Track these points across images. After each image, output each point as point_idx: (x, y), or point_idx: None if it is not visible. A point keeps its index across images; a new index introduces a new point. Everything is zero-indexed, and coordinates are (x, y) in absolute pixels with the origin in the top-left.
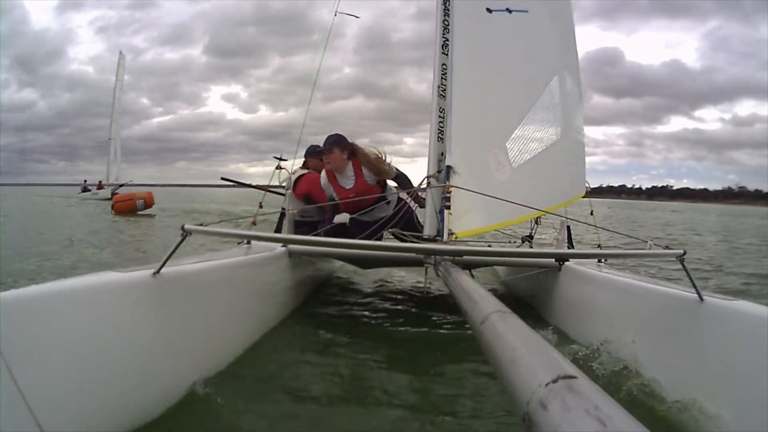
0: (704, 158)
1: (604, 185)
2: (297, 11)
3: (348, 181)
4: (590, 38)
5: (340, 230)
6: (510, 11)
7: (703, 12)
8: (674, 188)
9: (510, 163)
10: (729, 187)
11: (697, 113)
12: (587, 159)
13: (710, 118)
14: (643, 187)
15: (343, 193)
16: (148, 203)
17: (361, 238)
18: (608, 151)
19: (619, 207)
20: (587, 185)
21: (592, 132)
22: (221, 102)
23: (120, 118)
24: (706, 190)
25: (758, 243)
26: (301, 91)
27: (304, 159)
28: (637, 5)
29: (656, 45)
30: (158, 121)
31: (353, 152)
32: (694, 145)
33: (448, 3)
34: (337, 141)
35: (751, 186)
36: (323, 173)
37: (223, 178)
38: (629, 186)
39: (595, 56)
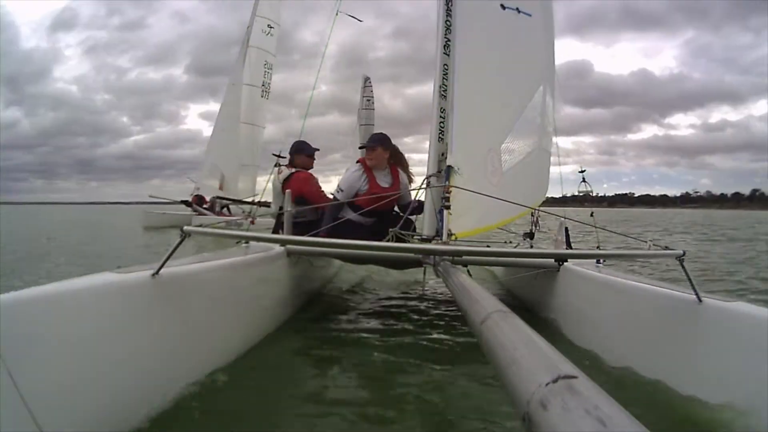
0: (677, 164)
1: (568, 194)
2: (281, 30)
3: (385, 180)
4: (560, 53)
5: (342, 229)
6: (519, 11)
7: (672, 25)
8: (635, 195)
9: (501, 165)
10: (687, 192)
11: (667, 120)
12: (560, 168)
13: (681, 125)
14: (606, 195)
15: (378, 190)
16: None
17: (366, 238)
18: (579, 160)
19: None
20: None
21: (562, 142)
22: (198, 120)
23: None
24: (665, 195)
25: None
26: (278, 109)
27: (290, 156)
28: (607, 20)
29: (627, 57)
30: (135, 139)
31: (394, 154)
32: (666, 152)
33: (450, 3)
34: (381, 140)
35: (726, 189)
36: (357, 166)
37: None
38: (593, 194)
39: (563, 69)
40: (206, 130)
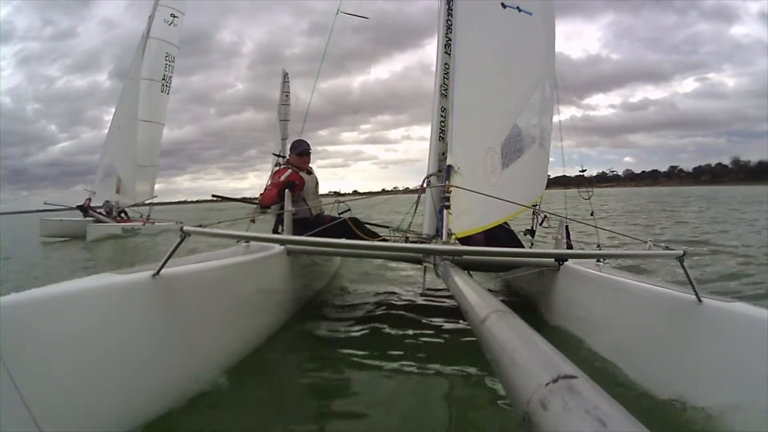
0: (597, 144)
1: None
2: (200, 32)
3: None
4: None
5: (341, 228)
6: (519, 10)
7: (591, 9)
8: (551, 177)
9: (500, 165)
10: (603, 172)
11: (586, 101)
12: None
13: (601, 105)
14: None
15: None
16: None
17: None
18: None
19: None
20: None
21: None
22: None
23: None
24: (580, 176)
25: None
26: (196, 109)
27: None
28: None
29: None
30: (62, 146)
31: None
32: (585, 132)
33: (451, 2)
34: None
35: (649, 167)
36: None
37: (214, 195)
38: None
39: None
40: None
